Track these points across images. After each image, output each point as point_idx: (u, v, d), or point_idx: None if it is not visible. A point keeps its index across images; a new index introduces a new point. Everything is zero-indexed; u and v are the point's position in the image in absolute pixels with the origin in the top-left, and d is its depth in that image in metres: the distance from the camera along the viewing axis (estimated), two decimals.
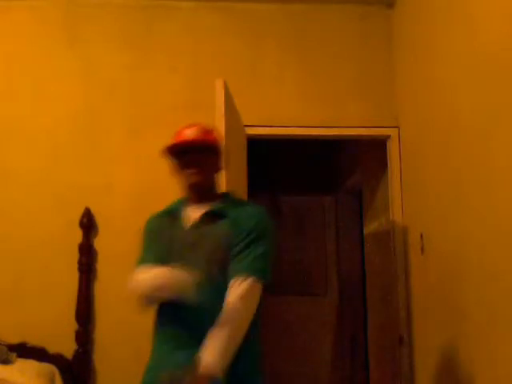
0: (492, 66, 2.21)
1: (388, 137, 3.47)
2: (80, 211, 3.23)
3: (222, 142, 2.18)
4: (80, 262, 3.20)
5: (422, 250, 2.99)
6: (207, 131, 2.12)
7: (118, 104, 3.42)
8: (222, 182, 2.48)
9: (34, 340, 3.07)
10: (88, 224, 3.23)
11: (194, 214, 2.05)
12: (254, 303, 1.91)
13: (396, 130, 3.44)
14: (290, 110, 3.46)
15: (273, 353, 5.06)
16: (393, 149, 3.44)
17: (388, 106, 3.48)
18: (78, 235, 3.21)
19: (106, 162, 3.34)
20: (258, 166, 3.77)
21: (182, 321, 1.92)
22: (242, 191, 3.04)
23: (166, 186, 3.28)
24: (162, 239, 2.08)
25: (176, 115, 3.37)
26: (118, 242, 3.25)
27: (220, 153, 2.14)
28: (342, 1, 3.56)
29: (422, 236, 3.00)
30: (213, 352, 1.75)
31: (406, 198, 3.34)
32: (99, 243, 3.26)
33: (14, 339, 3.03)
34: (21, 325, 3.09)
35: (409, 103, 3.30)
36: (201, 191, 2.09)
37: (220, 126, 2.56)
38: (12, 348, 2.96)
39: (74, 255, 3.20)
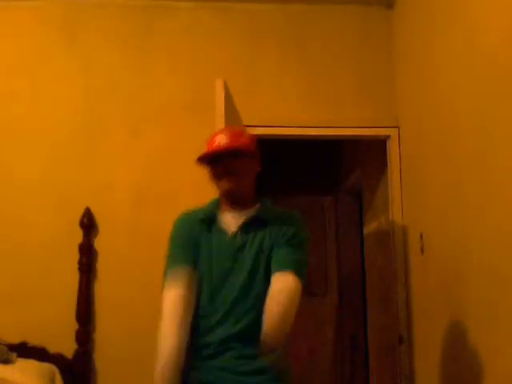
0: (492, 66, 2.21)
1: (388, 137, 3.47)
2: (80, 211, 3.23)
3: (255, 143, 2.12)
4: (80, 262, 3.20)
5: (422, 249, 2.99)
6: (238, 134, 2.08)
7: (117, 104, 3.42)
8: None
9: (34, 340, 3.07)
10: (88, 224, 3.23)
11: (233, 221, 2.05)
12: (297, 297, 1.94)
13: (396, 129, 3.44)
14: (290, 110, 3.46)
15: None
16: (393, 149, 3.44)
17: (388, 106, 3.48)
18: (78, 235, 3.21)
19: (107, 161, 3.34)
20: None
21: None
22: None
23: (167, 185, 3.31)
24: (201, 245, 2.05)
25: (176, 115, 3.38)
26: (119, 242, 3.25)
27: (254, 155, 2.09)
28: (342, 1, 3.56)
29: (421, 236, 3.00)
30: (271, 326, 1.87)
31: (405, 198, 3.34)
32: (99, 243, 3.26)
33: (15, 339, 3.03)
34: (21, 324, 3.09)
35: (409, 103, 3.30)
36: (237, 198, 2.06)
37: (220, 126, 2.56)
38: (12, 348, 2.96)
39: (75, 255, 3.20)
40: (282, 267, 1.93)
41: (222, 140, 2.02)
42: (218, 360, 1.95)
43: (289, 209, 2.16)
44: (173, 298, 1.95)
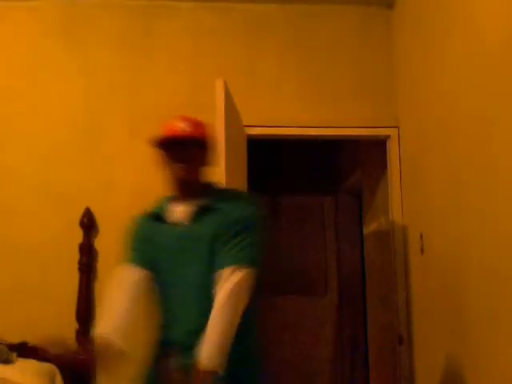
0: (492, 66, 2.21)
1: (388, 137, 3.47)
2: (80, 211, 3.23)
3: (214, 137, 2.13)
4: (80, 262, 3.20)
5: (422, 249, 2.99)
6: (198, 124, 2.04)
7: (117, 104, 3.42)
8: (222, 182, 2.49)
9: (34, 340, 3.07)
10: (88, 224, 3.23)
11: (181, 211, 2.00)
12: (244, 294, 1.85)
13: (396, 130, 3.45)
14: (290, 110, 3.46)
15: (273, 352, 5.06)
16: (392, 149, 3.45)
17: (388, 106, 3.48)
18: (78, 235, 3.22)
19: (107, 161, 3.35)
20: (258, 166, 3.77)
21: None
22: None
23: (166, 186, 3.30)
24: (152, 242, 2.02)
25: (176, 115, 3.38)
26: (119, 241, 3.24)
27: (211, 148, 2.06)
28: (342, 1, 3.56)
29: (421, 236, 3.00)
30: (210, 349, 1.74)
31: (405, 198, 3.34)
32: (99, 243, 3.26)
33: (15, 339, 3.03)
34: (21, 324, 3.09)
35: (409, 103, 3.30)
36: (188, 186, 2.02)
37: (220, 126, 2.57)
38: (12, 348, 2.97)
39: (75, 255, 3.21)
40: (226, 264, 1.85)
41: (183, 126, 1.99)
42: (174, 359, 1.88)
43: (246, 194, 2.17)
44: (126, 277, 1.99)
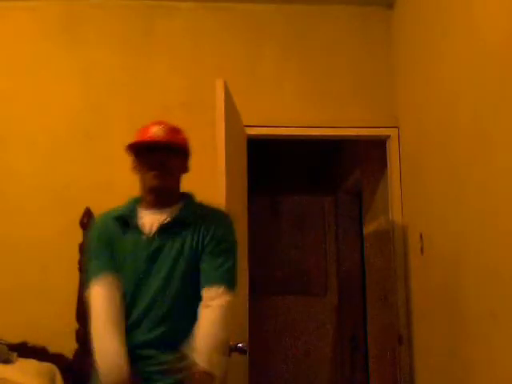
0: (492, 67, 2.22)
1: (388, 137, 3.47)
2: (80, 211, 3.23)
3: (189, 143, 2.07)
4: (80, 262, 3.19)
5: (422, 250, 2.99)
6: (175, 130, 1.99)
7: (117, 104, 3.42)
8: (222, 183, 2.49)
9: (34, 340, 3.07)
10: (88, 224, 3.23)
11: (152, 220, 1.93)
12: (230, 317, 1.87)
13: (396, 130, 3.45)
14: (290, 110, 3.46)
15: (273, 353, 5.06)
16: (392, 149, 3.45)
17: (388, 106, 3.48)
18: (78, 235, 3.21)
19: (107, 161, 3.34)
20: (258, 166, 3.77)
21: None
22: (242, 191, 3.05)
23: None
24: (117, 248, 1.93)
25: (176, 115, 3.37)
26: None
27: (188, 154, 2.02)
28: (342, 1, 3.56)
29: (421, 236, 3.01)
30: (209, 351, 1.76)
31: (405, 198, 3.34)
32: None
33: (15, 339, 3.03)
34: (21, 324, 3.09)
35: (408, 103, 3.30)
36: (162, 195, 1.96)
37: (220, 126, 2.57)
38: (13, 348, 2.97)
39: (75, 255, 3.20)
40: (213, 282, 1.85)
41: (159, 132, 1.93)
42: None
43: (221, 211, 2.08)
44: (101, 299, 1.86)
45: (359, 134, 3.52)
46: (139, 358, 1.81)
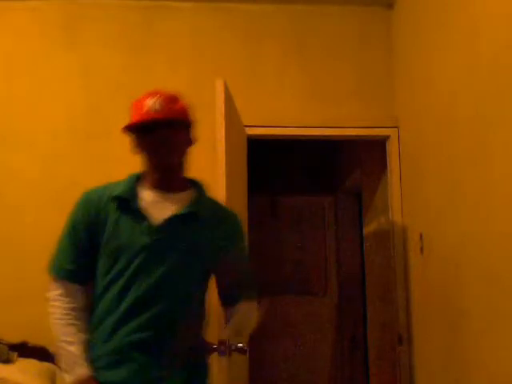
0: (491, 67, 2.22)
1: (387, 137, 3.47)
2: None
3: (192, 111, 1.87)
4: None
5: (422, 249, 2.99)
6: (173, 100, 1.78)
7: (118, 104, 3.42)
8: (222, 183, 2.49)
9: (34, 339, 3.07)
10: None
11: (156, 205, 1.72)
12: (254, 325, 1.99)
13: (395, 130, 3.45)
14: (290, 110, 3.46)
15: (272, 352, 5.07)
16: (392, 149, 3.45)
17: (388, 107, 3.48)
18: None
19: (107, 161, 3.34)
20: (258, 166, 3.78)
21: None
22: (241, 191, 3.05)
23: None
24: (108, 233, 1.71)
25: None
26: None
27: (190, 125, 1.81)
28: (342, 2, 3.56)
29: (421, 236, 3.01)
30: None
31: (405, 198, 3.34)
32: None
33: (15, 339, 3.03)
34: (21, 324, 3.08)
35: (408, 103, 3.31)
36: (168, 174, 1.77)
37: (220, 126, 2.57)
38: (13, 347, 2.96)
39: None
40: (250, 294, 1.92)
41: (154, 105, 1.73)
42: (116, 371, 1.67)
43: (227, 208, 2.04)
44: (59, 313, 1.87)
45: (359, 134, 3.52)
46: (122, 361, 1.66)
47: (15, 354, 2.93)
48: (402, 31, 3.42)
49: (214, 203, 1.89)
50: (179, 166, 1.80)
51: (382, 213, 3.75)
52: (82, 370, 1.68)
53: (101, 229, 1.74)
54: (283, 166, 5.38)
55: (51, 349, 3.08)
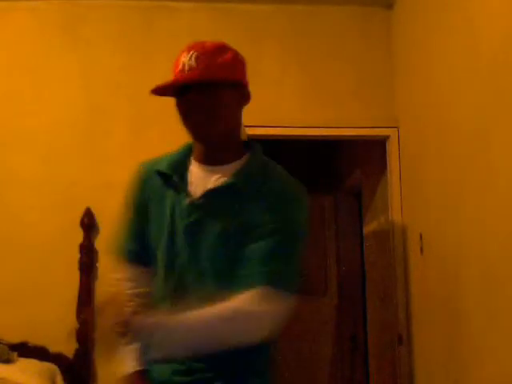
0: (491, 67, 2.22)
1: (387, 137, 3.47)
2: (81, 211, 3.24)
3: (242, 64, 1.53)
4: (81, 262, 3.20)
5: (422, 249, 3.00)
6: (214, 52, 1.44)
7: (118, 104, 3.43)
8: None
9: (34, 339, 3.07)
10: (89, 224, 3.24)
11: (199, 181, 1.47)
12: (257, 327, 1.42)
13: (395, 130, 3.45)
14: (290, 110, 3.46)
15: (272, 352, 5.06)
16: (392, 149, 3.45)
17: (387, 107, 3.49)
18: (78, 235, 3.22)
19: (107, 161, 3.35)
20: None
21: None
22: None
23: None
24: (154, 212, 1.51)
25: (176, 115, 3.38)
26: None
27: (242, 84, 1.48)
28: (342, 2, 3.56)
29: (421, 236, 3.01)
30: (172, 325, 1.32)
31: (405, 198, 3.35)
32: (100, 243, 3.26)
33: (15, 339, 3.04)
34: (22, 324, 3.09)
35: (408, 104, 3.31)
36: (215, 146, 1.48)
37: None
38: (13, 347, 2.97)
39: (75, 255, 3.21)
40: (251, 281, 1.36)
41: (190, 62, 1.44)
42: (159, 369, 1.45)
43: (288, 178, 1.62)
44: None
45: (359, 134, 3.52)
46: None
47: (15, 353, 2.94)
48: (401, 31, 3.42)
49: (267, 172, 1.54)
50: (226, 134, 1.47)
51: (382, 213, 3.75)
52: (133, 365, 1.46)
53: (150, 206, 1.53)
54: (283, 166, 5.37)
55: (51, 349, 3.09)
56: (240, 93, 1.49)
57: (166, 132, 3.39)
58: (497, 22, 2.18)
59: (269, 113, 3.42)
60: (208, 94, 1.41)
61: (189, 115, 1.46)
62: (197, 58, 1.43)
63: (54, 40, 3.47)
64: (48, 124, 3.37)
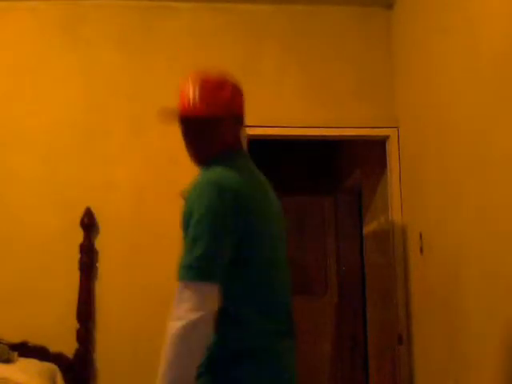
0: (491, 67, 2.22)
1: (387, 137, 3.47)
2: (81, 211, 3.24)
3: (236, 92, 1.76)
4: (81, 262, 3.21)
5: (422, 249, 3.00)
6: (189, 93, 1.67)
7: (118, 104, 3.43)
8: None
9: (35, 339, 3.07)
10: (89, 224, 3.24)
11: None
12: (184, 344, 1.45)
13: (395, 130, 3.45)
14: (290, 110, 3.47)
15: None
16: (392, 149, 3.45)
17: (387, 107, 3.49)
18: (78, 235, 3.22)
19: (107, 161, 3.35)
20: (258, 166, 3.77)
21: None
22: None
23: (167, 185, 3.31)
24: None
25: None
26: (120, 241, 3.26)
27: (199, 120, 1.64)
28: (342, 2, 3.56)
29: (421, 236, 3.01)
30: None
31: (405, 198, 3.35)
32: (100, 243, 3.27)
33: (16, 338, 3.04)
34: (22, 324, 3.10)
35: (408, 104, 3.31)
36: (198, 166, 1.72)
37: None
38: (13, 347, 2.97)
39: (75, 255, 3.21)
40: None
41: (187, 96, 1.69)
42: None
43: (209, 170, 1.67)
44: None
45: (359, 134, 3.52)
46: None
47: (15, 353, 2.94)
48: (401, 31, 3.42)
49: (197, 180, 1.63)
50: (199, 160, 1.71)
51: (382, 212, 3.75)
52: None
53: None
54: (283, 166, 5.38)
55: (51, 349, 3.09)
56: (200, 127, 1.68)
57: (166, 132, 3.40)
58: (497, 22, 2.18)
59: (269, 113, 3.42)
60: (181, 127, 1.69)
61: (184, 139, 1.70)
62: (180, 96, 1.67)
63: (54, 40, 3.47)
64: (48, 124, 3.37)
